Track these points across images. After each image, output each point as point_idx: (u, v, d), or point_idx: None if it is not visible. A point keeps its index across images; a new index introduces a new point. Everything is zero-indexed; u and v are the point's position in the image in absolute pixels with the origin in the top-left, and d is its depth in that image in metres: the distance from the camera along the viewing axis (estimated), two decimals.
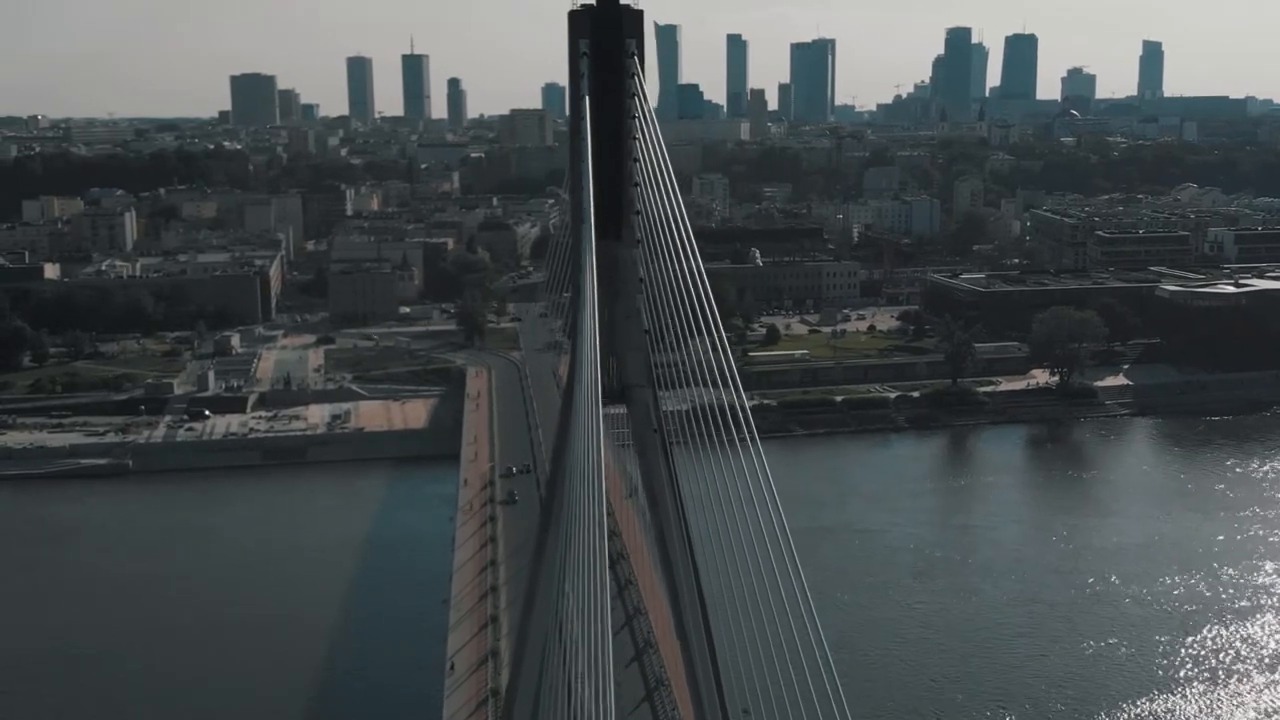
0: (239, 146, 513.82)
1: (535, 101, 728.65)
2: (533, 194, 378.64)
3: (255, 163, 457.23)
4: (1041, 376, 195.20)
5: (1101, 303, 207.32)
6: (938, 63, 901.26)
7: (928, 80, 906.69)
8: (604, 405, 57.54)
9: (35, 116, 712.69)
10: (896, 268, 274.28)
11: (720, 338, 45.32)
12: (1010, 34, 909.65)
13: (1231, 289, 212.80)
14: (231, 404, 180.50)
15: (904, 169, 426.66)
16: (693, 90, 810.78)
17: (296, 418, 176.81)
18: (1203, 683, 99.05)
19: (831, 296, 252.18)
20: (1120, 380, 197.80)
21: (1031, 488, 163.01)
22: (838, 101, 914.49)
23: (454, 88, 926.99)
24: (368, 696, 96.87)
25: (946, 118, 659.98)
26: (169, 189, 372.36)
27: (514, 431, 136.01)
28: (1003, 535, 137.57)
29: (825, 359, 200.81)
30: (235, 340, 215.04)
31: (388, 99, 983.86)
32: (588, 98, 50.35)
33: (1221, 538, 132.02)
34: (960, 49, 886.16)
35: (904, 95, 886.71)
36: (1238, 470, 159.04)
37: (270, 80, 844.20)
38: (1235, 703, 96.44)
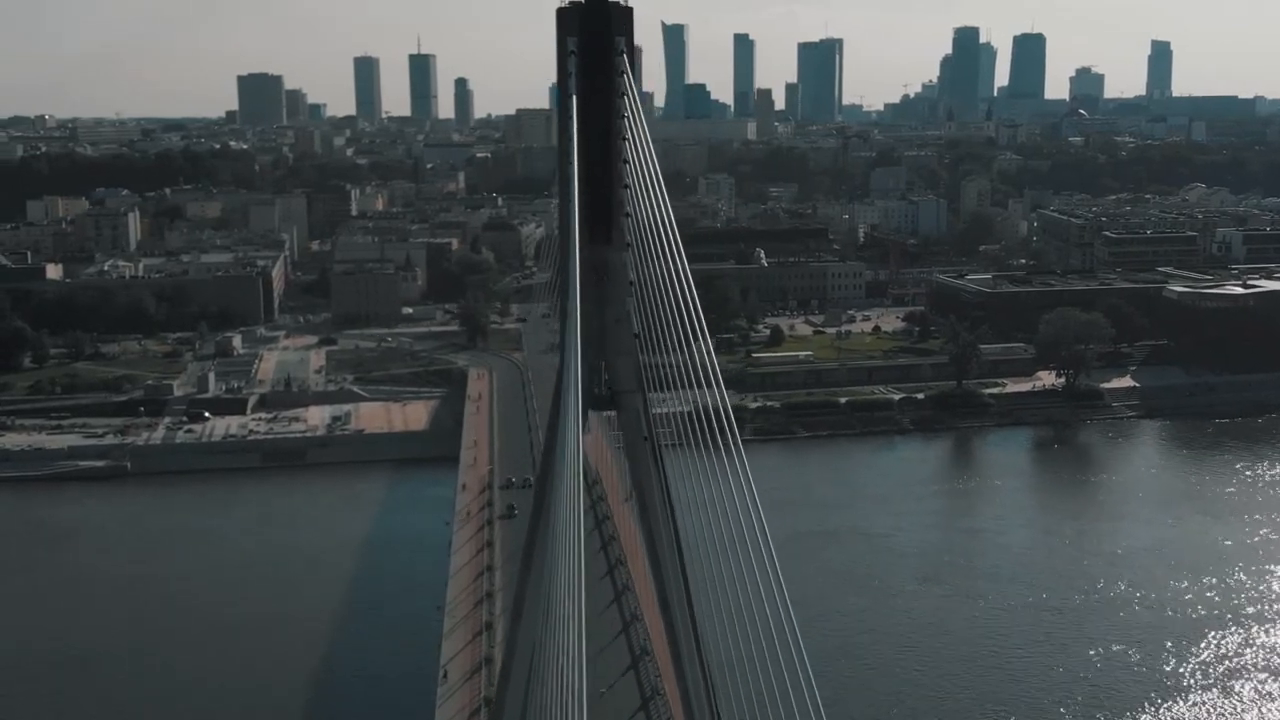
0: (245, 146, 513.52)
1: (542, 101, 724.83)
2: (538, 194, 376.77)
3: (261, 162, 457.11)
4: (1047, 378, 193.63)
5: (1108, 304, 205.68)
6: (945, 62, 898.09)
7: (935, 80, 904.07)
8: (597, 410, 56.42)
9: (42, 116, 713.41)
10: (902, 268, 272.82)
11: (706, 343, 43.98)
12: (1018, 33, 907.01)
13: (1240, 290, 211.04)
14: (231, 405, 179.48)
15: (911, 169, 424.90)
16: (700, 90, 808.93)
17: (296, 419, 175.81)
18: (1213, 690, 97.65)
19: (836, 297, 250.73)
20: (1127, 382, 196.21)
21: (1038, 491, 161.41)
22: (845, 101, 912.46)
23: (461, 88, 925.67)
24: (361, 704, 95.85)
25: (954, 117, 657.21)
26: (174, 189, 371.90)
27: (514, 435, 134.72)
28: (1009, 539, 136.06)
29: (829, 360, 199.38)
30: (237, 341, 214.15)
31: (395, 99, 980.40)
32: (576, 97, 48.87)
33: (1231, 542, 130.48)
34: (968, 49, 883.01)
35: (912, 95, 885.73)
36: (1247, 473, 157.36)
37: (277, 80, 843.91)
38: (1245, 711, 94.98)
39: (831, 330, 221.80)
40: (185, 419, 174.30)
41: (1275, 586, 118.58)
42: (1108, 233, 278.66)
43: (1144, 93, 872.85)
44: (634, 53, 50.43)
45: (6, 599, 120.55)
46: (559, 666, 38.05)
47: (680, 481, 51.41)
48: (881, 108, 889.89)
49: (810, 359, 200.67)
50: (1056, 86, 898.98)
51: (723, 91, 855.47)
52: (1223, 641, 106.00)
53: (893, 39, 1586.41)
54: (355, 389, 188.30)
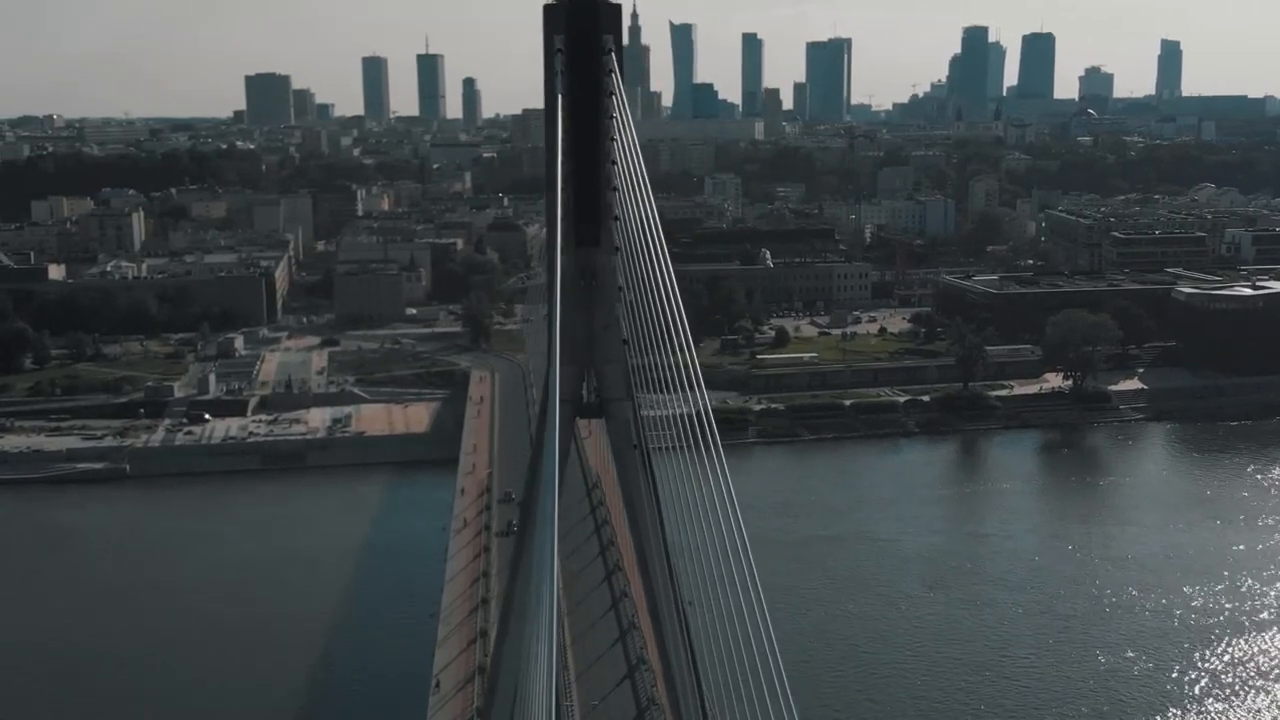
0: (252, 146, 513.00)
1: None
2: (544, 194, 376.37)
3: (267, 162, 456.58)
4: (1055, 380, 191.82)
5: (1116, 305, 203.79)
6: (954, 62, 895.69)
7: (944, 79, 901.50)
8: (586, 418, 54.98)
9: (50, 116, 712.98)
10: (909, 269, 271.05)
11: (689, 349, 42.59)
12: (1028, 33, 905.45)
13: (1249, 291, 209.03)
14: (232, 407, 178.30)
15: (918, 169, 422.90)
16: (707, 89, 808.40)
17: (297, 421, 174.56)
18: (1222, 698, 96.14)
19: (842, 298, 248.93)
20: (1135, 384, 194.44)
21: (1045, 495, 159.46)
22: (854, 101, 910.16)
23: (469, 87, 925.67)
24: (355, 711, 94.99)
25: (962, 117, 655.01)
26: (180, 189, 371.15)
27: (515, 439, 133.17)
28: (1016, 544, 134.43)
29: (834, 362, 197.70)
30: (239, 342, 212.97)
31: (403, 99, 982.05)
32: (562, 96, 47.34)
33: (1242, 547, 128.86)
34: (977, 48, 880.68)
35: (920, 95, 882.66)
36: (1258, 476, 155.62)
37: (285, 80, 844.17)
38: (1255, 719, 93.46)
39: (837, 331, 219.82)
40: (185, 421, 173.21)
41: None
42: (1116, 233, 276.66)
43: (1153, 92, 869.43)
44: (622, 52, 48.87)
45: (6, 601, 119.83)
46: (538, 680, 36.66)
47: (667, 487, 50.05)
48: (890, 107, 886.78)
49: (815, 361, 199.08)
50: (1065, 86, 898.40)
51: (730, 91, 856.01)
52: (1234, 649, 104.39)
53: (901, 39, 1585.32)
54: (356, 391, 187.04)
